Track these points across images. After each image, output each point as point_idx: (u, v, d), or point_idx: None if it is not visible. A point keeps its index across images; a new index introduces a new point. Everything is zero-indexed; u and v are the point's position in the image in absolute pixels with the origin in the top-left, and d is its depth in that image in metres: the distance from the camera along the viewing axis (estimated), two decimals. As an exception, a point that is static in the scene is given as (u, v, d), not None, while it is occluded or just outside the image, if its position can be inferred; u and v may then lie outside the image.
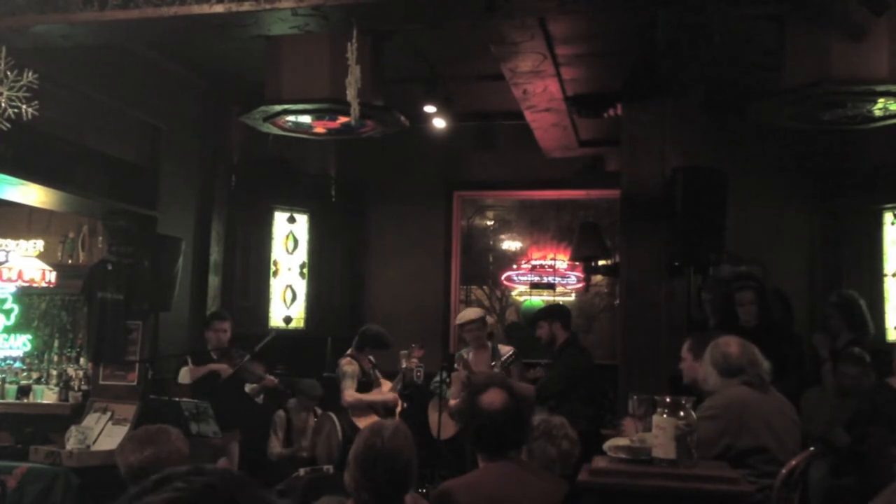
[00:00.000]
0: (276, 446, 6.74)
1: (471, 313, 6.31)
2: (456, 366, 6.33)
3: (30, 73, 4.04)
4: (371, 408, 6.44)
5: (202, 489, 1.11)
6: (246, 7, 3.89)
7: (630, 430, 3.44)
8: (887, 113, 4.46)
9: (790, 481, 3.33)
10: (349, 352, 6.61)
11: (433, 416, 6.73)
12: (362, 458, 2.58)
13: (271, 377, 6.55)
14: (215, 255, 7.66)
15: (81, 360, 6.63)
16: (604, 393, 5.68)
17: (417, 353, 6.65)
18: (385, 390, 6.58)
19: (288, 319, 8.25)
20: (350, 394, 6.38)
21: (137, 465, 2.83)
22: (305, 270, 8.38)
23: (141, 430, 3.10)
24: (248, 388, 6.56)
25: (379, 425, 2.70)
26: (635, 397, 3.83)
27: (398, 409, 6.70)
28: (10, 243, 7.00)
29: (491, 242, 9.52)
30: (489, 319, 6.49)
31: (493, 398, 2.92)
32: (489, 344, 6.18)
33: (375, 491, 2.55)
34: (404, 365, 6.57)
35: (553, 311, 6.24)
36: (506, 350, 6.11)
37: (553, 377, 5.84)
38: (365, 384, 6.48)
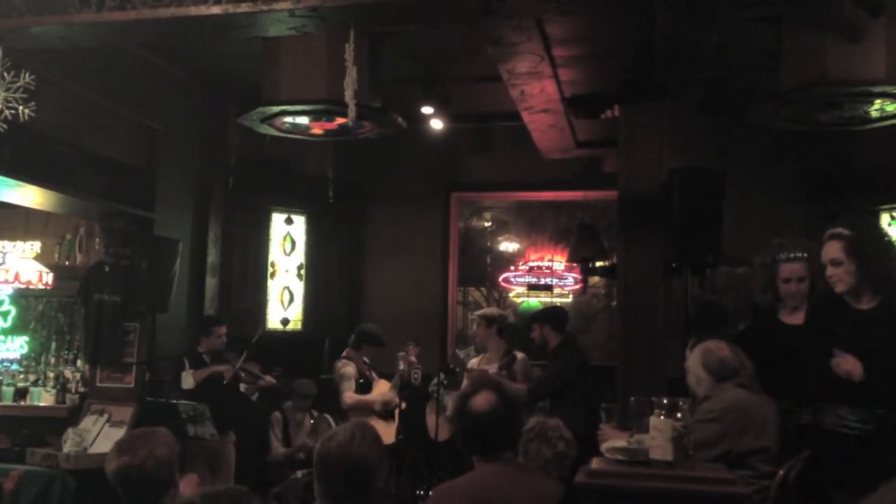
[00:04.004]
0: (277, 446, 6.75)
1: (486, 310, 6.40)
2: (450, 365, 6.33)
3: (27, 75, 4.04)
4: (371, 409, 6.44)
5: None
6: (243, 8, 3.89)
7: (608, 437, 3.45)
8: (884, 114, 4.47)
9: (787, 481, 3.34)
10: (345, 353, 6.61)
11: (431, 418, 6.74)
12: (316, 464, 2.57)
13: (268, 377, 6.55)
14: (212, 256, 7.65)
15: (78, 362, 6.62)
16: (601, 394, 5.67)
17: (414, 352, 6.66)
18: (380, 391, 6.57)
19: (285, 321, 8.25)
20: (349, 395, 6.38)
21: (113, 471, 2.84)
22: (303, 272, 8.38)
23: (126, 436, 3.11)
24: (243, 387, 6.56)
25: (337, 429, 2.68)
26: (605, 405, 3.85)
27: (398, 409, 6.70)
28: (7, 245, 7.00)
29: (488, 243, 9.53)
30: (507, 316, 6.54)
31: (480, 400, 2.93)
32: (500, 347, 6.15)
33: (334, 496, 2.53)
34: (401, 366, 6.57)
35: (545, 315, 6.23)
36: (518, 356, 6.09)
37: (545, 378, 5.85)
38: (363, 385, 6.48)
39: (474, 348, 7.03)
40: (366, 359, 6.63)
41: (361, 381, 6.47)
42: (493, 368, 5.97)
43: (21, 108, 4.02)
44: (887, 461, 3.17)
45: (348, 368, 6.44)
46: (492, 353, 6.14)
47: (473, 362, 6.23)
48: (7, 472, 5.52)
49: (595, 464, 3.03)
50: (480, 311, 6.47)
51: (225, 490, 1.24)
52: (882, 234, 3.70)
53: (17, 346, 6.89)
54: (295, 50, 4.66)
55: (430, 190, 8.75)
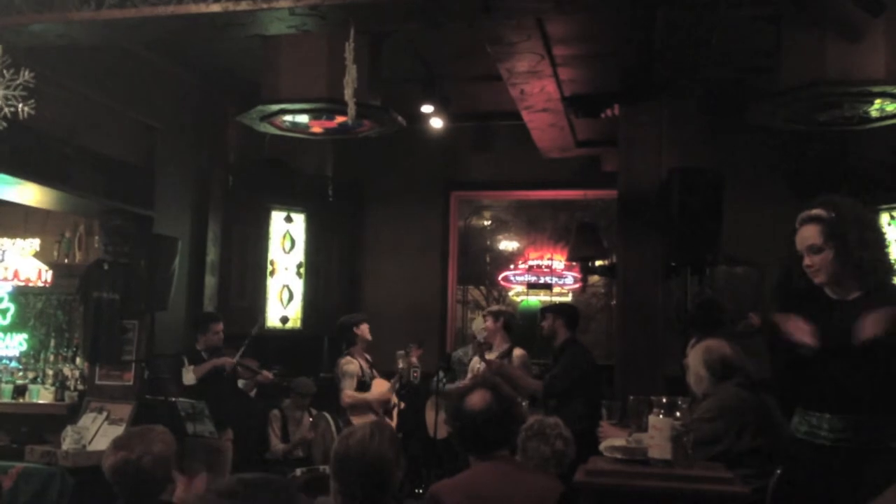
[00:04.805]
0: (276, 443, 6.75)
1: (493, 307, 6.49)
2: (474, 356, 6.32)
3: (26, 72, 4.04)
4: (369, 407, 6.44)
5: (238, 483, 1.15)
6: (243, 6, 3.89)
7: (608, 434, 3.46)
8: (884, 114, 4.48)
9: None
10: (348, 350, 6.62)
11: (430, 416, 6.75)
12: (334, 461, 2.58)
13: (266, 373, 6.55)
14: (212, 254, 7.66)
15: (77, 360, 6.63)
16: (602, 393, 5.68)
17: (416, 353, 6.66)
18: (378, 391, 6.57)
19: (285, 319, 8.25)
20: (349, 394, 6.39)
21: (110, 468, 2.85)
22: (302, 270, 8.38)
23: (124, 433, 3.12)
24: (241, 383, 6.57)
25: (356, 427, 2.69)
26: (606, 402, 3.86)
27: (396, 409, 6.71)
28: (6, 242, 7.01)
29: (488, 242, 9.53)
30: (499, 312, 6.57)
31: (475, 399, 2.94)
32: (504, 341, 6.16)
33: (350, 494, 2.54)
34: (401, 365, 6.58)
35: (560, 308, 6.30)
36: (517, 353, 6.09)
37: (559, 374, 5.86)
38: (364, 383, 6.50)
39: (472, 347, 7.03)
40: (367, 356, 6.64)
41: (363, 378, 6.48)
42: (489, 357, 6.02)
43: (20, 105, 4.02)
44: (863, 476, 2.76)
45: (351, 366, 6.45)
46: (497, 347, 6.15)
47: (476, 360, 6.23)
48: (6, 469, 5.52)
49: (594, 462, 3.03)
50: (488, 308, 6.54)
51: (262, 478, 1.23)
52: (866, 214, 3.15)
53: (16, 344, 6.90)
54: (295, 48, 4.66)
55: (429, 189, 8.74)
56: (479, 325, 6.60)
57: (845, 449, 2.88)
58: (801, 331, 2.88)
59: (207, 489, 1.11)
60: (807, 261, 3.04)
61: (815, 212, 3.05)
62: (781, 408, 3.65)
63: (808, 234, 3.04)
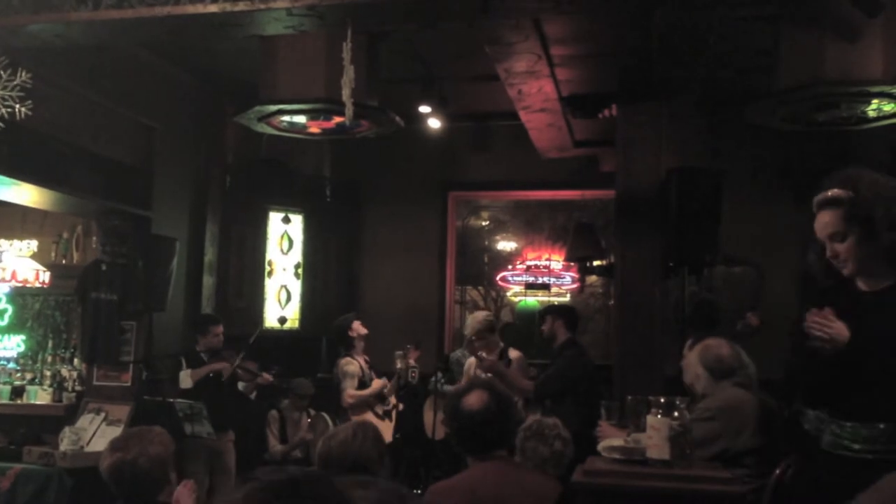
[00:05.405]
0: (274, 444, 6.74)
1: (474, 322, 6.07)
2: (470, 353, 6.31)
3: (23, 73, 4.04)
4: (368, 406, 6.44)
5: (284, 482, 1.17)
6: (240, 7, 3.89)
7: (607, 434, 3.46)
8: (881, 114, 4.49)
9: (784, 481, 3.34)
10: (346, 353, 6.61)
11: (428, 417, 6.74)
12: (318, 462, 2.59)
13: (266, 375, 6.55)
14: (210, 255, 7.65)
15: (75, 361, 6.62)
16: (599, 394, 5.68)
17: (413, 355, 6.66)
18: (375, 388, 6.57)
19: (283, 320, 8.25)
20: (350, 393, 6.39)
21: (107, 469, 2.85)
22: (300, 271, 8.38)
23: (121, 434, 3.12)
24: (241, 385, 6.57)
25: (339, 428, 2.70)
26: (605, 402, 3.86)
27: (395, 410, 6.70)
28: (3, 243, 6.99)
29: (486, 243, 9.52)
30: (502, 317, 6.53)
31: (472, 399, 2.94)
32: (497, 345, 6.15)
33: None
34: (399, 366, 6.57)
35: (559, 309, 6.34)
36: (513, 355, 6.08)
37: (552, 375, 5.86)
38: (364, 384, 6.50)
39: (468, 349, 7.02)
40: (366, 357, 6.64)
41: (363, 378, 6.48)
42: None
43: (18, 106, 4.02)
44: None
45: (351, 366, 6.44)
46: (488, 349, 6.14)
47: (471, 361, 6.23)
48: (4, 470, 5.51)
49: (592, 463, 3.03)
50: (477, 327, 6.00)
51: (376, 484, 1.20)
52: (891, 187, 2.56)
53: (13, 345, 6.89)
54: (292, 48, 4.66)
55: (427, 189, 8.74)
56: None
57: (880, 461, 2.43)
58: (828, 326, 2.48)
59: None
60: (830, 251, 2.61)
61: (833, 193, 2.56)
62: (800, 409, 3.45)
63: (828, 221, 2.59)
